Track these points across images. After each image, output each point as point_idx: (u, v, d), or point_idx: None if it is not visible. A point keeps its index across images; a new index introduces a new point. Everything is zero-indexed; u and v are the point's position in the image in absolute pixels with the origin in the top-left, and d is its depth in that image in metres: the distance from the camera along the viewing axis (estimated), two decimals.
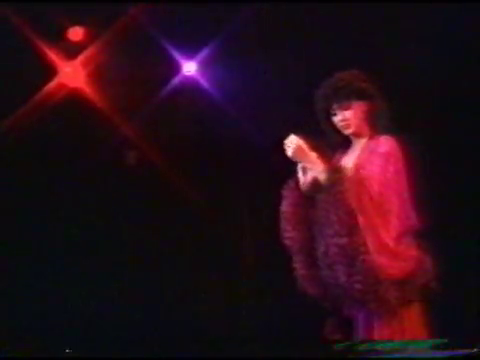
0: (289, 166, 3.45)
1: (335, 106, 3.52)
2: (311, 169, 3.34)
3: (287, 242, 3.44)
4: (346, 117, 3.51)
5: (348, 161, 3.54)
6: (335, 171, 3.31)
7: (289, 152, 3.35)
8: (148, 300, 5.36)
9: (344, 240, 3.21)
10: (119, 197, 5.44)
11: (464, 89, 4.81)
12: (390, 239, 3.31)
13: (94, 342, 4.78)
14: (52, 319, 5.22)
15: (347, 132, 3.54)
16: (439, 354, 2.93)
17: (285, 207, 3.47)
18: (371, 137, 3.51)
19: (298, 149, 3.33)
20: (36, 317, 5.21)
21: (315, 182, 3.34)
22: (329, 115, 3.55)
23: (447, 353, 2.91)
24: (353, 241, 3.21)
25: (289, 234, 3.43)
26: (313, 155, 3.34)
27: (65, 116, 5.32)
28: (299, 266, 3.43)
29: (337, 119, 3.53)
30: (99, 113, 5.35)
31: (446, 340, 3.04)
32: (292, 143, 3.35)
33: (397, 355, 3.00)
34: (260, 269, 5.21)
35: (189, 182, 5.42)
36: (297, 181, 3.43)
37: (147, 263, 5.42)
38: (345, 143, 3.60)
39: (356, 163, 3.47)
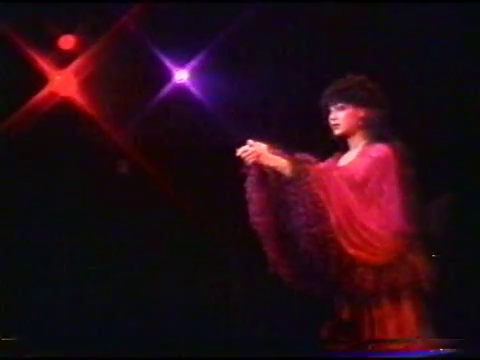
0: None
1: (332, 106, 3.64)
2: (275, 168, 3.35)
3: (255, 227, 3.48)
4: (337, 117, 3.62)
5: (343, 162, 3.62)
6: (298, 163, 3.35)
7: (249, 159, 3.37)
8: (145, 301, 5.39)
9: (313, 229, 3.28)
10: (111, 205, 5.43)
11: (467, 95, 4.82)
12: (374, 226, 3.38)
13: (93, 342, 4.77)
14: (52, 319, 5.22)
15: (336, 132, 3.64)
16: (438, 354, 2.94)
17: (250, 193, 3.47)
18: (367, 144, 3.58)
19: (258, 154, 3.35)
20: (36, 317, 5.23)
21: (280, 177, 3.36)
22: (328, 113, 3.67)
23: (446, 353, 2.92)
24: (322, 229, 3.29)
25: (256, 219, 3.46)
26: (273, 155, 3.37)
27: (56, 124, 5.31)
28: (268, 249, 3.48)
29: (330, 118, 3.65)
30: (90, 121, 5.34)
31: (445, 339, 3.06)
32: (250, 149, 3.37)
33: (397, 355, 3.01)
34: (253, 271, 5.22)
35: (180, 189, 5.42)
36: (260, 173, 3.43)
37: (144, 265, 5.46)
38: (345, 148, 3.68)
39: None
